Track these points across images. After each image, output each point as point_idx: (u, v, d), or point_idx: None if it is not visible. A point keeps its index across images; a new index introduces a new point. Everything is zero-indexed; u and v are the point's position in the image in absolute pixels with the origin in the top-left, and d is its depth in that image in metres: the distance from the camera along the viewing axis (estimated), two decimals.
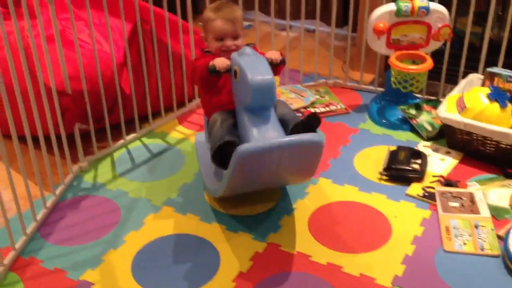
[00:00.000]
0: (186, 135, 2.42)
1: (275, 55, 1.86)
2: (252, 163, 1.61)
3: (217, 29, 1.89)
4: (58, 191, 2.02)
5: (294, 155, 1.64)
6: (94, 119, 2.22)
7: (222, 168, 1.74)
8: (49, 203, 1.96)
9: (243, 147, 1.55)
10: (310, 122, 1.73)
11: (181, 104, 2.59)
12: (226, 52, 1.88)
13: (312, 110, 2.55)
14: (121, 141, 2.34)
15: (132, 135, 2.38)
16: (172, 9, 2.39)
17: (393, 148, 2.21)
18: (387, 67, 2.50)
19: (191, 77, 1.97)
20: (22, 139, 1.77)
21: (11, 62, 1.67)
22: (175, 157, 2.27)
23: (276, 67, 1.85)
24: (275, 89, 1.69)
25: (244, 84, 1.67)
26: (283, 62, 1.88)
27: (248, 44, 1.90)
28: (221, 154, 1.71)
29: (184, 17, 2.43)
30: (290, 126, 1.75)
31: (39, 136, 1.86)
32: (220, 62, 1.79)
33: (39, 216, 1.89)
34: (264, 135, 1.68)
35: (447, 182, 2.06)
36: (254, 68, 1.68)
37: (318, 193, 2.04)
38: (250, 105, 1.69)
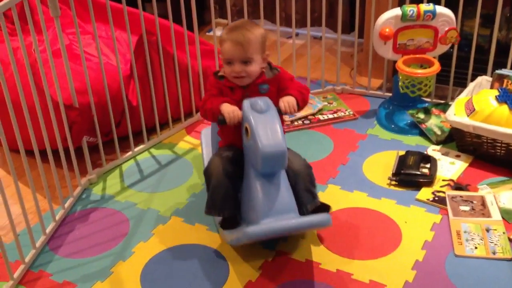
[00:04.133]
0: (194, 145, 2.42)
1: (290, 107, 1.74)
2: (260, 238, 1.70)
3: (225, 52, 1.75)
4: (67, 204, 2.03)
5: (301, 230, 1.78)
6: (102, 131, 2.23)
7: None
8: (58, 216, 1.96)
9: (251, 230, 1.58)
10: (320, 211, 1.77)
11: (189, 114, 2.59)
12: (237, 78, 1.75)
13: (320, 117, 2.54)
14: (130, 153, 2.34)
15: (140, 147, 2.38)
16: (178, 20, 2.40)
17: (402, 153, 2.19)
18: (395, 72, 2.48)
19: (202, 113, 1.85)
20: (30, 153, 1.78)
21: (17, 78, 1.68)
22: (184, 167, 2.27)
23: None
24: (286, 156, 1.64)
25: (255, 149, 1.62)
26: (296, 111, 1.78)
27: (274, 69, 1.81)
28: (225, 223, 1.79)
29: (190, 27, 2.43)
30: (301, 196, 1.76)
31: (47, 150, 1.87)
32: (231, 116, 1.70)
33: (48, 230, 1.90)
34: (273, 209, 1.66)
35: (457, 186, 2.04)
36: (266, 132, 1.61)
37: (327, 199, 2.00)
38: (260, 171, 1.67)
